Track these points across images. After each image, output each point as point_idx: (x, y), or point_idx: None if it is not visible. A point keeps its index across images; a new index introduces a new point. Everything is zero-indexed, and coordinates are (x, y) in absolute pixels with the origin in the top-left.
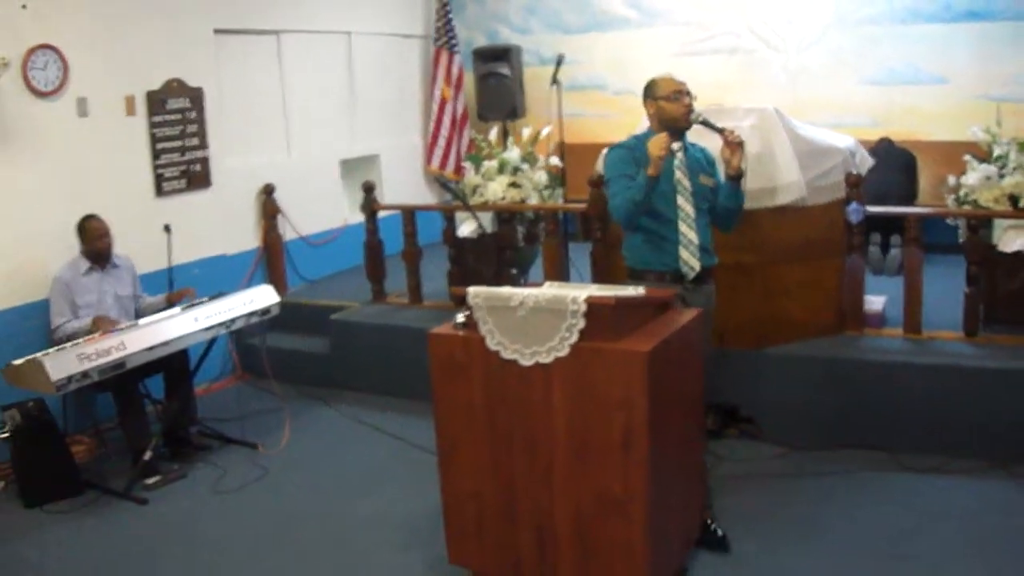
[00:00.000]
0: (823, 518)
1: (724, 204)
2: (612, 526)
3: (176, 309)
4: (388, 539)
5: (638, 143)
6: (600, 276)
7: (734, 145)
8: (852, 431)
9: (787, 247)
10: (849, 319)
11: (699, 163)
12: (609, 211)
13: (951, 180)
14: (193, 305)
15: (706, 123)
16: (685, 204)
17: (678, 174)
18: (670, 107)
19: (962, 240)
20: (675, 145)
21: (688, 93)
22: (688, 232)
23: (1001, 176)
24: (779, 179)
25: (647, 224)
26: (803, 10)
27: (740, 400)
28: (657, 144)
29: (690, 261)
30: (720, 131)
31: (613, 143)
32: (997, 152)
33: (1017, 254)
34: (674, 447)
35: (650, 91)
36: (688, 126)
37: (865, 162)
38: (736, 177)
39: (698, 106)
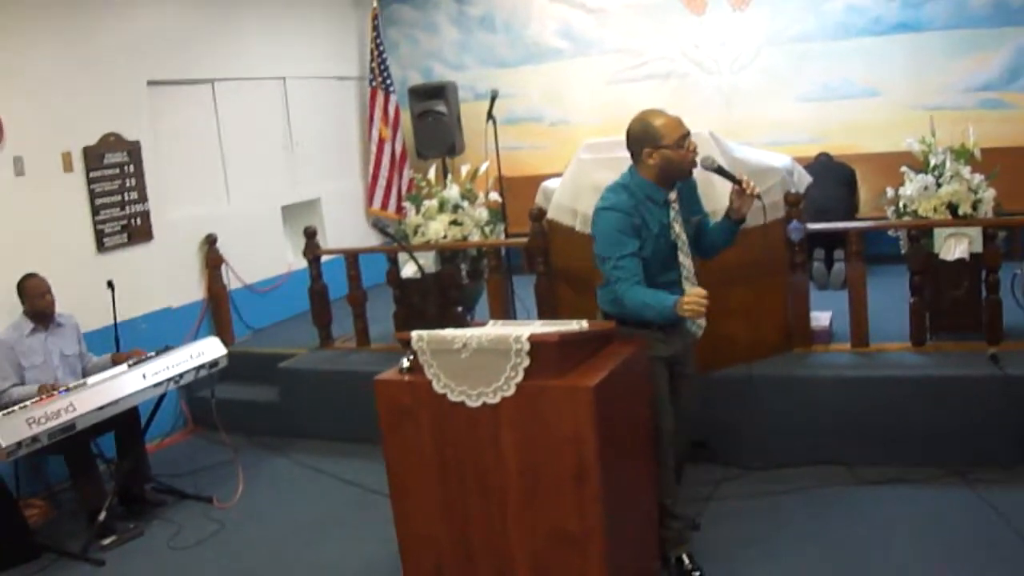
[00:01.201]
0: (782, 537)
1: (718, 242)
2: (569, 563)
3: (124, 367)
4: None
5: (632, 200)
6: (545, 309)
7: (747, 196)
8: (806, 448)
9: (729, 269)
10: (796, 337)
11: (686, 202)
12: (614, 290)
13: (889, 192)
14: (141, 361)
15: (721, 171)
16: (685, 259)
17: (676, 228)
18: (677, 156)
19: (904, 251)
20: (671, 196)
21: (688, 133)
22: (691, 290)
23: (938, 185)
24: (717, 203)
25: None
26: (735, 32)
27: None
28: (693, 307)
29: (700, 321)
30: (738, 182)
31: (548, 175)
32: (933, 162)
33: (959, 261)
34: (627, 479)
35: (650, 137)
36: (691, 175)
37: (803, 180)
38: (739, 221)
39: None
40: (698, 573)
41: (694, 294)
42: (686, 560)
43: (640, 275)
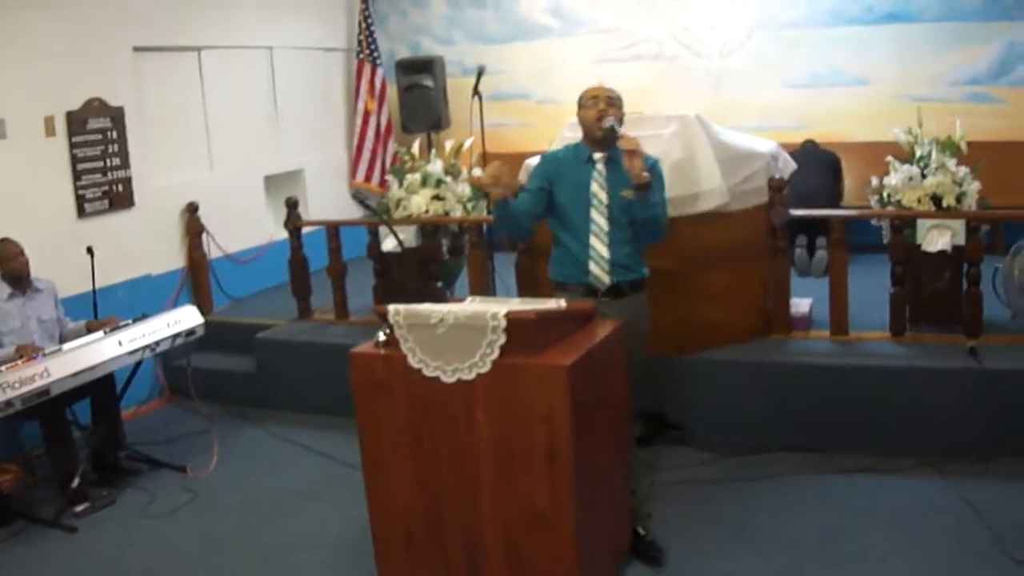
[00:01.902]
0: (754, 522)
1: (637, 216)
2: (541, 540)
3: (100, 333)
4: (318, 559)
5: (563, 153)
6: (525, 287)
7: (629, 152)
8: (781, 434)
9: (711, 253)
10: (775, 322)
11: (625, 176)
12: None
13: (874, 181)
14: (118, 328)
15: (611, 129)
16: (599, 217)
17: (594, 186)
18: (583, 113)
19: (887, 240)
20: (596, 156)
21: (606, 99)
22: (599, 247)
23: (923, 176)
24: (701, 186)
25: (563, 237)
26: (726, 15)
27: (667, 407)
28: (486, 172)
29: (600, 276)
30: (617, 138)
31: (532, 153)
32: (919, 152)
33: (941, 253)
34: (600, 459)
35: (578, 101)
36: (602, 133)
37: (788, 166)
38: (641, 186)
39: (635, 112)
40: (659, 547)
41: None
42: (643, 533)
43: (525, 205)
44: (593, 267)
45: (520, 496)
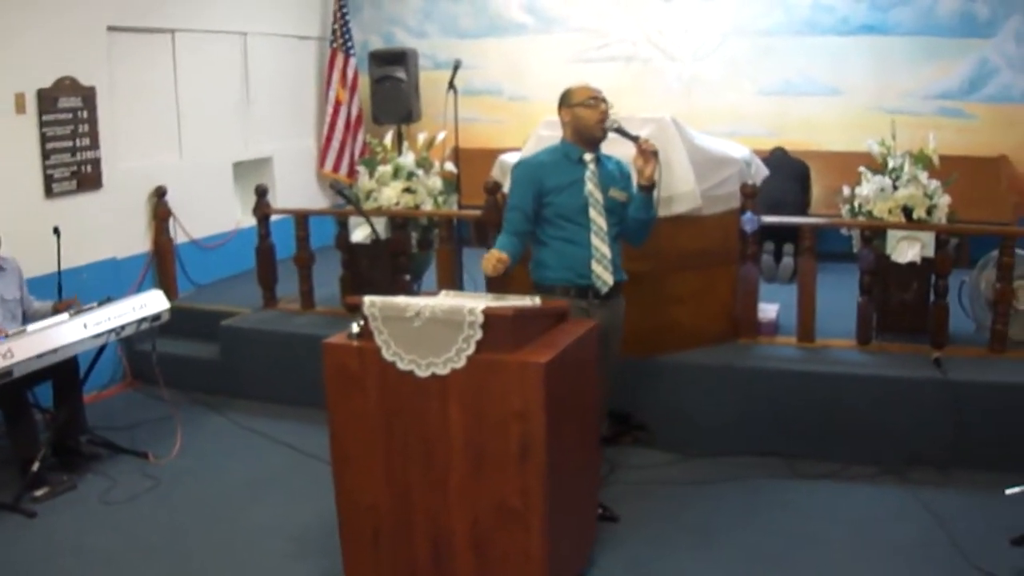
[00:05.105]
0: (717, 524)
1: (635, 216)
2: (510, 536)
3: (65, 315)
4: (281, 550)
5: (547, 156)
6: (494, 283)
7: (647, 154)
8: (746, 438)
9: (681, 256)
10: (742, 327)
11: (611, 176)
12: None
13: (845, 190)
14: (82, 311)
15: (620, 131)
16: (597, 217)
17: (589, 186)
18: (585, 113)
19: (856, 250)
20: (587, 156)
21: (604, 100)
22: (601, 246)
23: (895, 188)
24: (675, 188)
25: (554, 238)
26: (700, 20)
27: (633, 407)
28: (488, 265)
29: (603, 276)
30: (635, 139)
31: (505, 149)
32: (891, 164)
33: (910, 265)
34: (571, 456)
35: (565, 99)
36: (603, 134)
37: (760, 172)
38: (648, 188)
39: (613, 114)
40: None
41: (490, 254)
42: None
43: (518, 228)
44: (596, 266)
45: (491, 493)
